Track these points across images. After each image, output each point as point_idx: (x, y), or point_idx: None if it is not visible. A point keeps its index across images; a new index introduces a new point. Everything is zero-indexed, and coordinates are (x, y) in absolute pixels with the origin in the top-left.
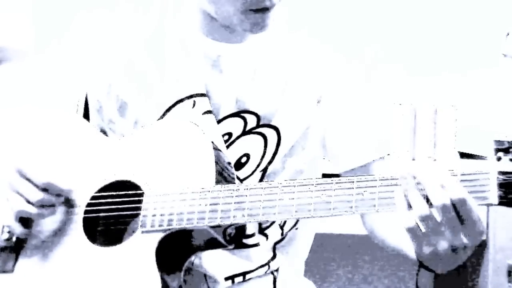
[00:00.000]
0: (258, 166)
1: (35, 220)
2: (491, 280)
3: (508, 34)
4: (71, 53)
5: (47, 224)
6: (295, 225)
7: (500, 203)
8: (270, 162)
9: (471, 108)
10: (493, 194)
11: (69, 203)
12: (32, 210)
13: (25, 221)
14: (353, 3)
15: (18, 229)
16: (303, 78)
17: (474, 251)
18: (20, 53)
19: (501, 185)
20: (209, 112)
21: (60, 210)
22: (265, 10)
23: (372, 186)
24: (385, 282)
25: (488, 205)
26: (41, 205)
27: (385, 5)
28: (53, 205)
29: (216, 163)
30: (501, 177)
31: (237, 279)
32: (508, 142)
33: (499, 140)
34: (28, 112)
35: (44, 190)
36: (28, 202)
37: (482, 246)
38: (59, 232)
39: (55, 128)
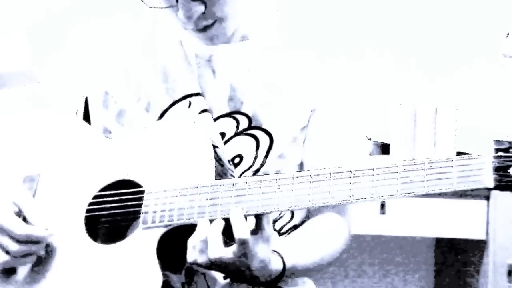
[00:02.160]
0: (250, 167)
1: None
2: (491, 280)
3: (508, 34)
4: (67, 62)
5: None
6: (288, 223)
7: (496, 187)
8: (262, 164)
9: (471, 108)
10: (489, 178)
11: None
12: (11, 260)
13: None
14: (353, 2)
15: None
16: (299, 85)
17: (474, 251)
18: (19, 76)
19: (496, 169)
20: (205, 111)
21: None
22: (207, 28)
23: (370, 175)
24: (385, 282)
25: (485, 189)
26: (22, 255)
27: (385, 5)
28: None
29: (215, 160)
30: (497, 160)
31: None
32: (508, 142)
33: (499, 140)
34: (28, 115)
35: (25, 242)
36: (8, 253)
37: (482, 246)
38: (60, 231)
39: (55, 130)
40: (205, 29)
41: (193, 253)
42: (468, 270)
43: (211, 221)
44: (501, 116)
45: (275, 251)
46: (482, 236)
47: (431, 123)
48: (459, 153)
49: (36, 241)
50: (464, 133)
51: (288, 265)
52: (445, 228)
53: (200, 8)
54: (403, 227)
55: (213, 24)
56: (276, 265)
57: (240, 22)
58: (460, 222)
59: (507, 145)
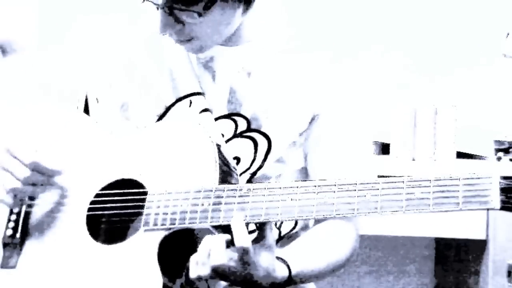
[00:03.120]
0: (247, 169)
1: (26, 200)
2: (491, 280)
3: (508, 34)
4: (71, 54)
5: (38, 211)
6: (293, 229)
7: (502, 208)
8: (260, 167)
9: (471, 108)
10: (495, 199)
11: (62, 195)
12: (19, 188)
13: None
14: (354, 3)
15: (9, 202)
16: (300, 89)
17: (474, 250)
18: (22, 45)
19: (503, 190)
20: (206, 110)
21: (52, 196)
22: (183, 42)
23: (375, 189)
24: (384, 282)
25: (490, 209)
26: (31, 184)
27: (385, 5)
28: (42, 184)
29: (221, 159)
30: (504, 181)
31: None
32: (508, 142)
33: (499, 140)
34: (32, 110)
35: (33, 170)
36: (18, 179)
37: (482, 246)
38: (61, 228)
39: (60, 126)
40: (181, 42)
41: (195, 268)
42: (468, 270)
43: (215, 227)
44: (501, 116)
45: (280, 258)
46: (482, 236)
47: (431, 123)
48: (459, 153)
49: (43, 172)
50: (464, 133)
51: (294, 271)
52: (445, 228)
53: (177, 26)
54: (403, 227)
55: (189, 40)
56: (281, 272)
57: (243, 25)
58: (460, 222)
59: (507, 145)
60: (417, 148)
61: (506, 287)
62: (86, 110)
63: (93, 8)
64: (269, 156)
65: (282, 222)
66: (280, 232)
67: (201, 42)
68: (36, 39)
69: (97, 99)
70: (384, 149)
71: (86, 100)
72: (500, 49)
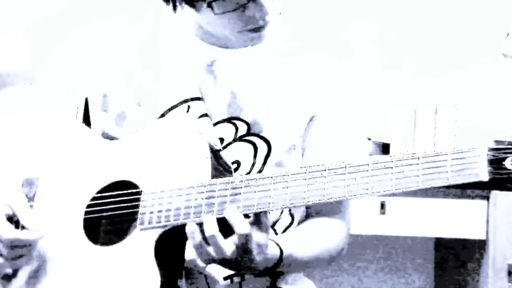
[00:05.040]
0: (247, 174)
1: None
2: (491, 280)
3: (508, 34)
4: (67, 63)
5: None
6: (289, 227)
7: (491, 180)
8: (260, 171)
9: (471, 108)
10: (484, 171)
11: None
12: (3, 263)
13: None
14: (354, 3)
15: None
16: (299, 92)
17: (474, 251)
18: (18, 76)
19: (491, 162)
20: (204, 115)
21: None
22: (260, 28)
23: (365, 170)
24: (384, 282)
25: (480, 182)
26: (13, 257)
27: (384, 5)
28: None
29: (217, 162)
30: (491, 153)
31: (236, 278)
32: (508, 142)
33: (499, 140)
34: (28, 118)
35: (12, 247)
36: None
37: (482, 246)
38: (59, 233)
39: (54, 133)
40: (258, 29)
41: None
42: (468, 270)
43: (199, 224)
44: (501, 116)
45: (272, 240)
46: (482, 236)
47: (431, 123)
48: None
49: (25, 245)
50: (464, 133)
51: (285, 252)
52: (445, 228)
53: (265, 9)
54: (403, 227)
55: (258, 29)
56: (272, 250)
57: None
58: (460, 222)
59: (507, 145)
60: (417, 148)
61: (506, 287)
62: (86, 115)
63: (90, 14)
64: (268, 160)
65: (276, 222)
66: (275, 231)
67: (268, 26)
68: (30, 59)
69: (96, 107)
70: (384, 149)
71: (86, 106)
72: (500, 49)
